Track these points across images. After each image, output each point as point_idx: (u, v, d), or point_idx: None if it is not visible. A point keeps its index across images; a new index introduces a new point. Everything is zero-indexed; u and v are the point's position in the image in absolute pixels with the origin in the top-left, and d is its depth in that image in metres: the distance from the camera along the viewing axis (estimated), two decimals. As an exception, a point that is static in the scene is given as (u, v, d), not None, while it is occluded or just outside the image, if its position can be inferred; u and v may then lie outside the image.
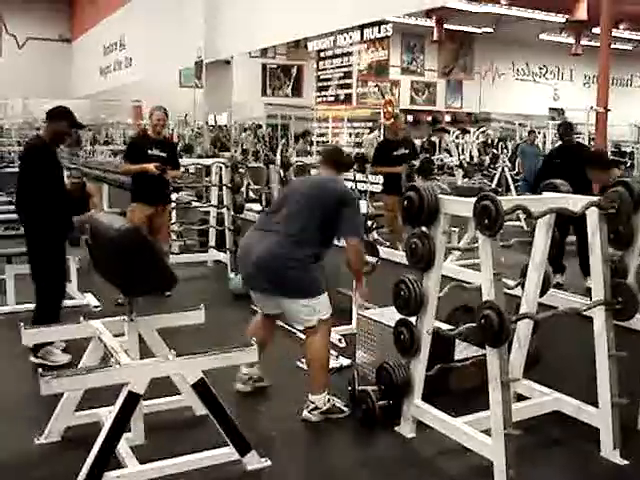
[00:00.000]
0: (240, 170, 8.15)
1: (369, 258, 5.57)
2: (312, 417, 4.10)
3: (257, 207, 8.36)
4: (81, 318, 3.77)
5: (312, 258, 4.06)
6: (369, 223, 5.70)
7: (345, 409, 4.18)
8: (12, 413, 4.20)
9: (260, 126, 20.07)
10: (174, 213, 8.29)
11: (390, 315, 4.39)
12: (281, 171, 8.31)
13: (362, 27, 6.91)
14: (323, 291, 4.12)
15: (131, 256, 3.16)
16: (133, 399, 3.12)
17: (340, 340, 5.41)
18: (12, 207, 9.77)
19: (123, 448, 3.41)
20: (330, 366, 4.59)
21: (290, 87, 22.26)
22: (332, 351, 5.09)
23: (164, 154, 6.90)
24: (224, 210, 8.02)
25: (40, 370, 2.97)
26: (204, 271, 8.18)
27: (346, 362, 5.03)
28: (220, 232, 8.31)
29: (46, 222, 4.92)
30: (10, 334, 4.89)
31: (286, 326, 5.82)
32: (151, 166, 6.70)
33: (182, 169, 7.76)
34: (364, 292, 4.75)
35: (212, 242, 8.49)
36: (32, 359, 4.85)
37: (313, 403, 4.11)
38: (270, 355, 4.59)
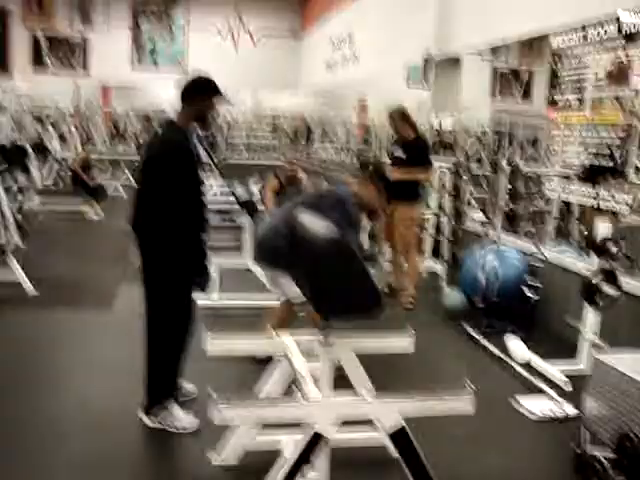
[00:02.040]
0: (463, 177, 7.50)
1: (609, 290, 4.71)
2: None
3: (479, 216, 7.66)
4: (273, 332, 3.33)
5: None
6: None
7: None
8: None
9: (485, 132, 19.08)
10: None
11: (634, 363, 3.58)
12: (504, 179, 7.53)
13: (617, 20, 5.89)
14: None
15: (332, 271, 2.64)
16: (318, 441, 2.60)
17: (566, 383, 4.60)
18: (231, 198, 9.88)
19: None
20: (552, 415, 4.22)
21: (520, 92, 21.03)
22: (556, 396, 4.36)
23: (404, 155, 6.60)
24: (443, 218, 7.42)
25: (213, 393, 2.52)
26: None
27: (571, 412, 4.22)
28: (437, 241, 7.72)
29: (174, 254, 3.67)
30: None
31: (503, 356, 5.14)
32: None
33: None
34: None
35: (427, 251, 7.90)
36: (145, 420, 3.81)
37: None
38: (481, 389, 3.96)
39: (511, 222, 7.24)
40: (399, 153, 6.67)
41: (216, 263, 6.26)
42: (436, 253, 7.72)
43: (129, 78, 18.63)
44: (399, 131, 6.70)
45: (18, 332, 5.41)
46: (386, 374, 4.29)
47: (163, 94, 21.99)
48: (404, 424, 2.65)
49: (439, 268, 7.46)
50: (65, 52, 18.44)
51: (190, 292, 3.76)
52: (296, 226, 3.02)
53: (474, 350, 5.44)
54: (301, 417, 2.62)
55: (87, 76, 18.53)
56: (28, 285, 6.51)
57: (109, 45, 18.30)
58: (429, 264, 7.75)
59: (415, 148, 6.64)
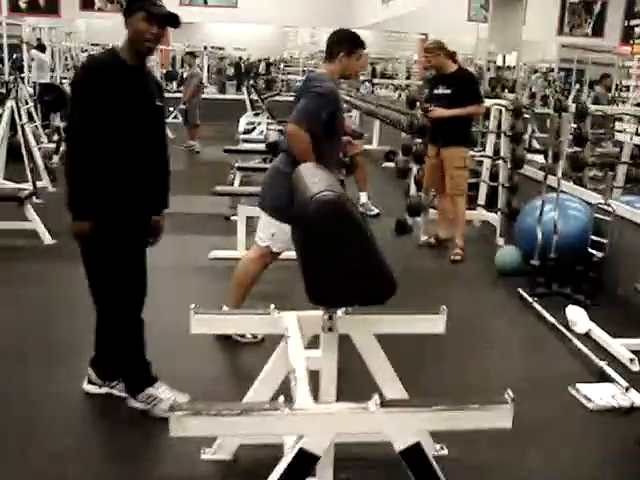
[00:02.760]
0: (525, 116, 6.67)
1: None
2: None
3: (541, 159, 6.87)
4: (271, 307, 2.72)
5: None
6: None
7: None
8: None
9: (552, 69, 17.99)
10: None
11: None
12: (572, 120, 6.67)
13: None
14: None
15: (324, 244, 1.99)
16: (307, 459, 2.02)
17: (632, 361, 3.91)
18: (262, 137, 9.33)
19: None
20: (615, 404, 3.48)
21: (591, 25, 19.59)
22: (621, 380, 3.66)
23: (448, 91, 5.93)
24: (500, 162, 6.66)
25: (172, 398, 1.96)
26: (467, 233, 6.64)
27: (638, 400, 3.54)
28: (492, 188, 6.95)
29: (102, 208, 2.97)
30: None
31: (560, 326, 4.45)
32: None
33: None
34: None
35: (482, 199, 7.15)
36: (131, 403, 3.23)
37: None
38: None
39: (576, 168, 6.44)
40: (442, 89, 5.99)
41: (244, 209, 5.66)
42: (492, 202, 6.97)
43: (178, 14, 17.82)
44: (439, 66, 6.01)
45: (29, 285, 4.96)
46: (418, 347, 3.70)
47: (219, 31, 21.44)
48: (419, 440, 2.04)
49: (494, 218, 6.72)
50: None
51: (135, 252, 3.14)
52: (294, 179, 2.39)
53: (526, 317, 4.73)
54: (283, 431, 2.04)
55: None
56: (45, 234, 6.05)
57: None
58: (483, 214, 7.03)
59: (460, 81, 5.94)
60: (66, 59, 16.15)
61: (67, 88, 11.73)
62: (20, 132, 8.06)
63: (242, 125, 12.97)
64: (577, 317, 4.45)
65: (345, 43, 3.96)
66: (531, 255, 5.26)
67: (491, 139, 6.95)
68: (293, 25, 18.92)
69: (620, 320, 4.55)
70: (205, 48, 20.33)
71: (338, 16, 17.29)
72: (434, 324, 2.77)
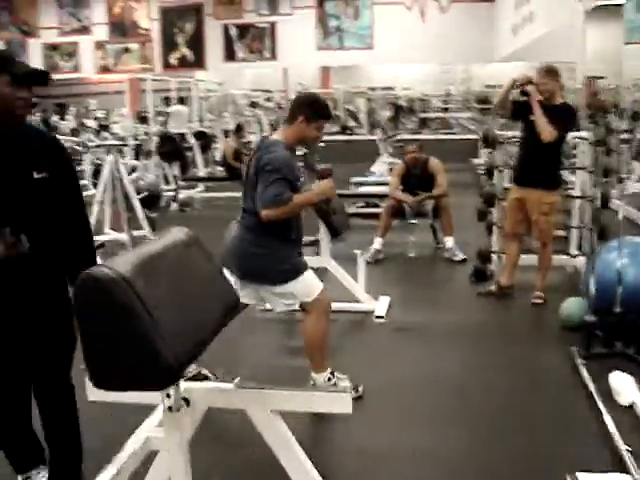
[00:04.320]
0: (611, 148, 5.95)
1: None
2: None
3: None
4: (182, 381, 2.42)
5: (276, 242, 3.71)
6: None
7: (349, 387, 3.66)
8: None
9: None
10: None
11: None
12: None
13: None
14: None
15: (89, 322, 1.75)
16: None
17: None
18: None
19: None
20: None
21: None
22: (635, 471, 3.02)
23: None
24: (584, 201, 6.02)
25: None
26: (555, 280, 5.99)
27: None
28: (581, 230, 6.30)
29: None
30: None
31: (597, 399, 3.78)
32: None
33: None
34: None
35: (573, 243, 6.48)
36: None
37: (313, 381, 3.86)
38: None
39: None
40: None
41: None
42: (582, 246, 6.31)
43: (314, 59, 18.11)
44: (550, 95, 5.37)
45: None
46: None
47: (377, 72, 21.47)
48: None
49: (581, 264, 6.04)
50: (254, 39, 18.24)
51: None
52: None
53: (568, 382, 4.10)
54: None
55: (274, 60, 18.23)
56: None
57: (294, 28, 17.77)
58: (571, 259, 6.35)
59: (561, 116, 5.31)
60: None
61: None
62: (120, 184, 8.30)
63: (374, 167, 12.88)
64: (622, 386, 3.78)
65: (306, 109, 3.74)
66: (600, 307, 4.61)
67: (579, 176, 6.28)
68: (444, 63, 18.69)
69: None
70: (373, 89, 20.36)
71: (477, 50, 16.80)
72: (340, 404, 2.38)
